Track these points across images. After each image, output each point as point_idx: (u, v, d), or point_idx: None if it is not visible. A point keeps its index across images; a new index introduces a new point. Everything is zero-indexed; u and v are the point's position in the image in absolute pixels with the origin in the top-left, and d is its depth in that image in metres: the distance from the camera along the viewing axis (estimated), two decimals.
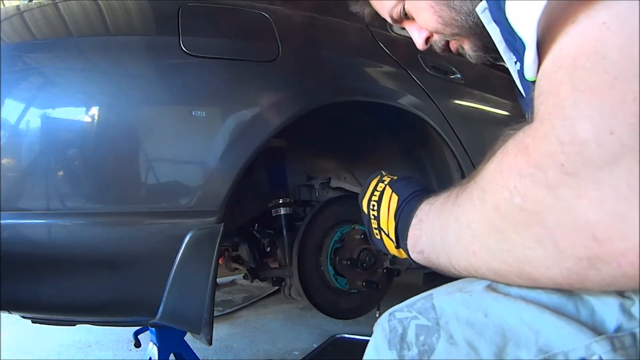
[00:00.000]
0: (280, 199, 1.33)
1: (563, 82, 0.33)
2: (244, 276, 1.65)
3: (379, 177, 0.69)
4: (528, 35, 0.38)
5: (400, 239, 0.60)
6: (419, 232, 0.54)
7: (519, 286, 0.39)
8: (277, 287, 2.01)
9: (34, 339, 2.09)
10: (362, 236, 1.24)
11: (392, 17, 0.76)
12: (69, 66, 0.89)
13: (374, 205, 0.66)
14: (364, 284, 1.23)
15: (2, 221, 0.81)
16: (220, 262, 1.45)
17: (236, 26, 1.13)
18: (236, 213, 1.25)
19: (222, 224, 0.94)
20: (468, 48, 0.70)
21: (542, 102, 0.34)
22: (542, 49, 0.38)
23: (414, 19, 0.74)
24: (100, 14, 1.01)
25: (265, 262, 1.53)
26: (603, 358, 0.34)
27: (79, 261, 0.88)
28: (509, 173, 0.36)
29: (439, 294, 0.43)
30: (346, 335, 2.02)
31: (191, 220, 0.92)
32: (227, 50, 1.02)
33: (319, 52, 1.22)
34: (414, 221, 0.55)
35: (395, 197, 0.63)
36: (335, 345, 1.97)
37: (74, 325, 1.27)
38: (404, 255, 0.60)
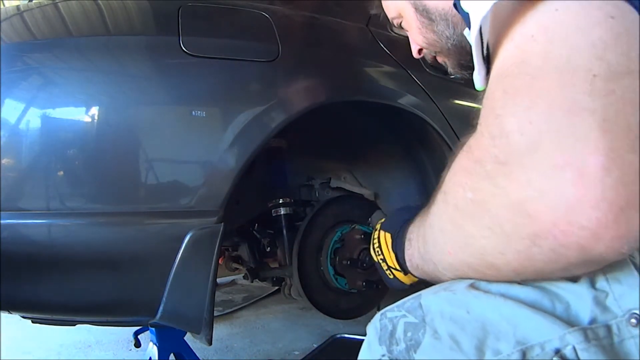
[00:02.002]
0: (280, 199, 1.33)
1: (496, 88, 0.38)
2: (244, 276, 1.64)
3: (373, 230, 0.81)
4: (473, 51, 0.44)
5: (403, 265, 0.67)
6: (411, 251, 0.61)
7: (494, 278, 0.42)
8: (277, 287, 2.01)
9: (34, 339, 2.09)
10: (362, 236, 1.24)
11: (394, 25, 0.92)
12: (69, 66, 0.89)
13: (378, 251, 0.76)
14: (364, 284, 1.23)
15: (2, 221, 0.81)
16: (220, 262, 1.45)
17: (236, 26, 1.13)
18: (236, 213, 1.25)
19: (222, 224, 0.94)
20: (449, 64, 0.84)
21: (482, 107, 0.39)
22: (491, 65, 0.43)
23: None
24: (100, 14, 1.01)
25: (265, 262, 1.53)
26: (576, 348, 0.37)
27: (79, 261, 0.88)
28: (461, 172, 0.41)
29: (427, 294, 0.46)
30: (346, 335, 2.02)
31: (191, 220, 0.92)
32: (227, 50, 1.02)
33: (319, 52, 1.22)
34: (406, 245, 0.62)
35: (388, 235, 0.73)
36: (335, 345, 1.97)
37: (74, 325, 1.27)
38: (416, 279, 0.68)
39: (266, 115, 1.00)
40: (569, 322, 0.39)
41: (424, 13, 0.85)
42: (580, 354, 0.37)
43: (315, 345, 1.99)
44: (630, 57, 0.33)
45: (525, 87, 0.35)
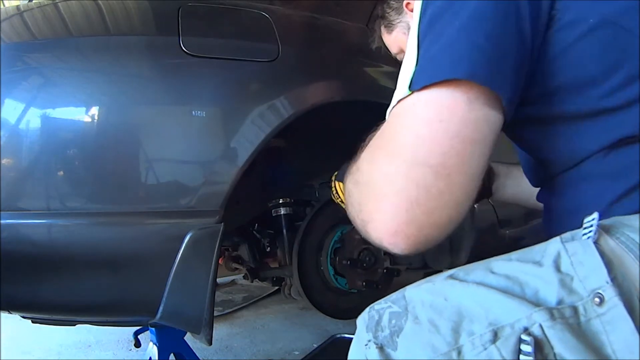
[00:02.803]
0: (280, 199, 1.33)
1: (369, 139, 0.58)
2: (244, 276, 1.65)
3: (330, 181, 1.01)
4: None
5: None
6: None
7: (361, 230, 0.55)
8: (277, 287, 2.01)
9: (34, 339, 2.09)
10: (362, 236, 1.24)
11: (397, 59, 0.99)
12: (69, 66, 0.90)
13: (336, 196, 0.98)
14: (363, 284, 1.23)
15: (2, 221, 0.81)
16: (220, 262, 1.45)
17: (236, 26, 1.13)
18: (236, 213, 1.25)
19: (222, 224, 0.94)
20: None
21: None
22: None
23: None
24: (100, 14, 1.01)
25: (265, 262, 1.53)
26: (542, 325, 0.41)
27: (79, 261, 0.88)
28: (350, 167, 0.59)
29: (410, 287, 0.52)
30: (346, 335, 2.02)
31: (191, 220, 0.92)
32: (227, 50, 1.02)
33: (319, 52, 1.22)
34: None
35: (341, 183, 0.91)
36: (335, 345, 1.96)
37: (74, 325, 1.27)
38: None
39: (266, 115, 1.00)
40: (538, 304, 0.42)
41: None
42: (547, 331, 0.40)
43: (315, 345, 1.99)
44: (432, 153, 0.46)
45: (372, 147, 0.54)
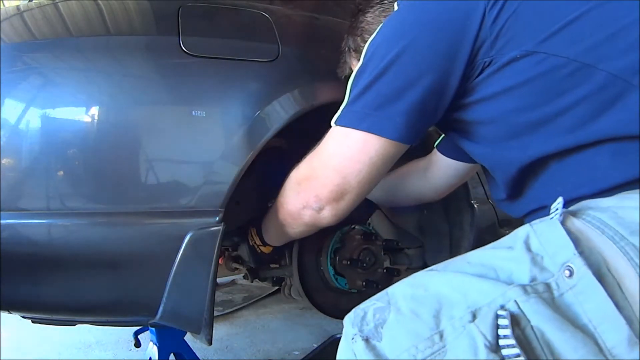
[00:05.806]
0: None
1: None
2: (244, 276, 1.64)
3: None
4: None
5: (263, 240, 1.16)
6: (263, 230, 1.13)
7: (285, 232, 0.89)
8: (277, 287, 2.01)
9: (34, 339, 2.09)
10: (362, 236, 1.24)
11: None
12: (69, 66, 0.90)
13: (251, 239, 1.21)
14: (364, 283, 1.23)
15: (2, 221, 0.82)
16: (220, 262, 1.45)
17: (236, 26, 1.13)
18: (236, 213, 1.25)
19: (223, 224, 0.94)
20: None
21: None
22: None
23: None
24: (100, 14, 1.01)
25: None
26: (517, 301, 0.43)
27: (79, 261, 0.88)
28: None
29: (393, 285, 0.55)
30: None
31: (191, 220, 0.92)
32: (227, 50, 1.02)
33: (319, 52, 1.22)
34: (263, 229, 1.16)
35: (254, 229, 1.19)
36: (335, 345, 1.96)
37: (74, 325, 1.27)
38: (272, 247, 1.18)
39: (266, 115, 1.00)
40: (512, 284, 0.45)
41: None
42: (522, 305, 0.43)
43: (315, 345, 1.99)
44: (342, 166, 0.78)
45: (312, 152, 0.85)
